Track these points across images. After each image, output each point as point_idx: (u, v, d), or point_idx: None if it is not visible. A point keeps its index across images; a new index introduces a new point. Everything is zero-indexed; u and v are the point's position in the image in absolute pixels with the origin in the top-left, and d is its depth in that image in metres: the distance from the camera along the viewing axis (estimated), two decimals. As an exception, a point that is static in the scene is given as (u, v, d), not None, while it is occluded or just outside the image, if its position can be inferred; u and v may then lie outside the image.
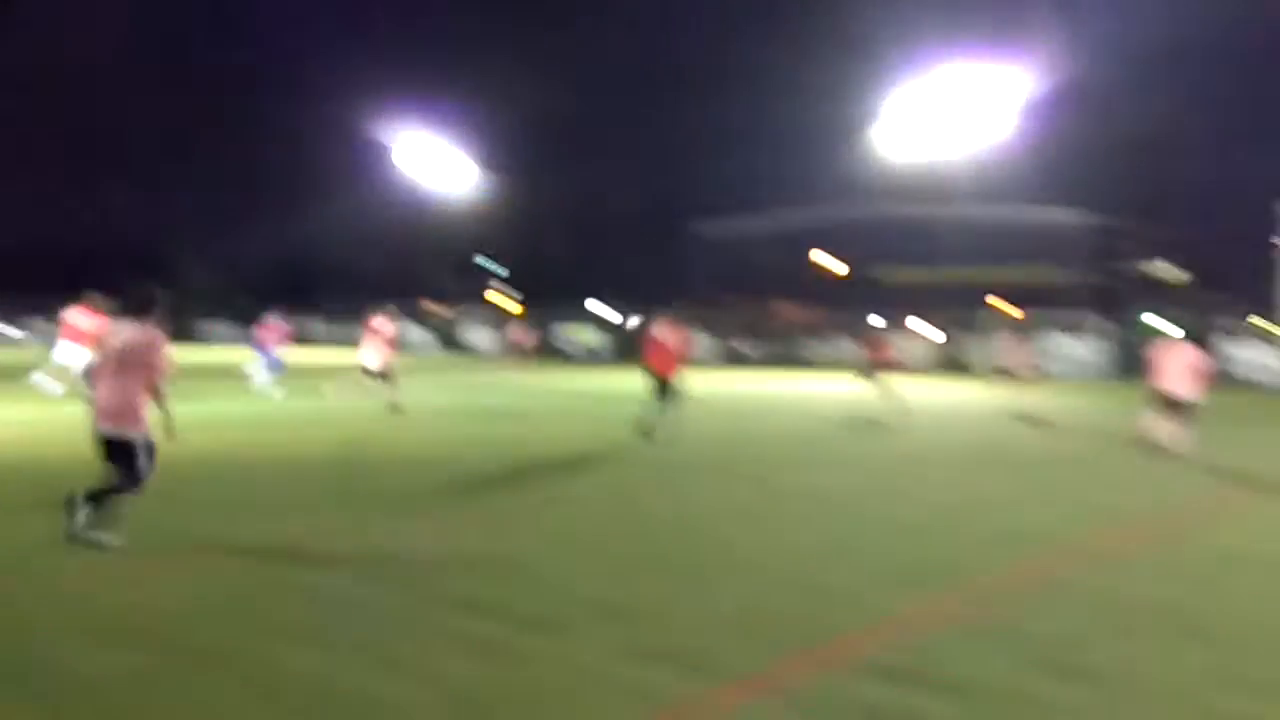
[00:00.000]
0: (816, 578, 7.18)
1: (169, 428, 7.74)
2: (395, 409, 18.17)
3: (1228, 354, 41.10)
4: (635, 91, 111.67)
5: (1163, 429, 14.46)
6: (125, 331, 7.71)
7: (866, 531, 8.92)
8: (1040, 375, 22.02)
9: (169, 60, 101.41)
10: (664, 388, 15.05)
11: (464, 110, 78.49)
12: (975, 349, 21.86)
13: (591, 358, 49.22)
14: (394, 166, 60.87)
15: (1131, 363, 44.85)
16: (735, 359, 46.30)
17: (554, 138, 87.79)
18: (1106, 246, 62.72)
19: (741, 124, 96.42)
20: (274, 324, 23.99)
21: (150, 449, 7.58)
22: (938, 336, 46.66)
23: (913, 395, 21.57)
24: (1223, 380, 39.42)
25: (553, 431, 16.69)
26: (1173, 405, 14.42)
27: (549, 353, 46.39)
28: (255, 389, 22.53)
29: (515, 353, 40.33)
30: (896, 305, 55.66)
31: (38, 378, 20.52)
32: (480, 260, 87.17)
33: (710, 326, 49.33)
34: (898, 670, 5.27)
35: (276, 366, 23.36)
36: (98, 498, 7.45)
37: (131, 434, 7.48)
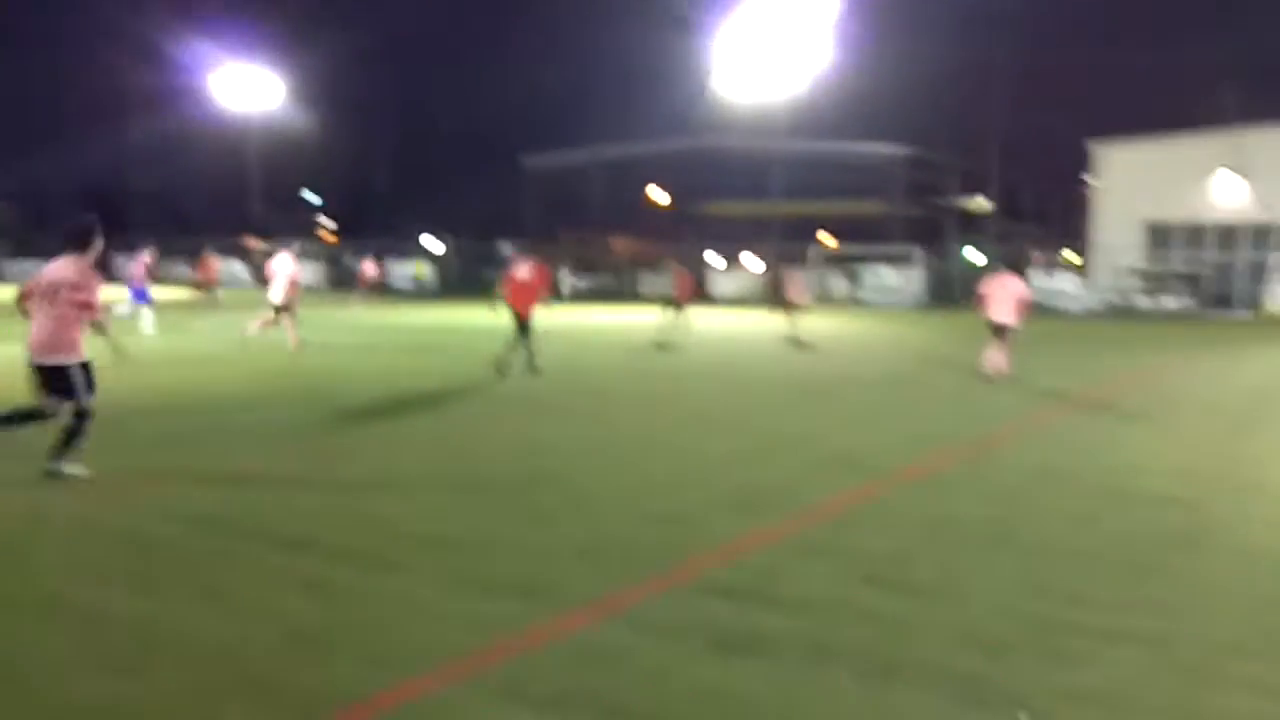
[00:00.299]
0: (656, 506, 7.32)
1: (118, 352, 8.34)
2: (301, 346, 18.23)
3: (1040, 285, 43.30)
4: (463, 21, 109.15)
5: (995, 357, 15.54)
6: (58, 265, 7.75)
7: (704, 462, 9.10)
8: (810, 305, 23.69)
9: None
10: (523, 326, 15.36)
11: (285, 37, 75.27)
12: (792, 282, 22.96)
13: (420, 291, 48.56)
14: (212, 95, 57.96)
15: (948, 293, 46.96)
16: (571, 293, 46.24)
17: (379, 67, 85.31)
18: (926, 181, 64.80)
19: (572, 56, 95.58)
20: (147, 258, 23.40)
21: (87, 373, 7.70)
22: (760, 269, 47.69)
23: (737, 328, 22.15)
24: (1035, 309, 41.64)
25: (398, 366, 16.42)
26: (998, 331, 15.53)
27: (379, 288, 45.46)
28: (122, 321, 21.55)
29: (363, 287, 39.13)
30: (729, 239, 56.53)
31: None
32: (306, 194, 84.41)
33: (545, 260, 49.11)
34: (737, 589, 5.45)
35: (143, 299, 22.71)
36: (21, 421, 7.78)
37: (64, 360, 7.59)
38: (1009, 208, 68.93)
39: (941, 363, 18.96)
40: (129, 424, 10.26)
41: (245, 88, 56.76)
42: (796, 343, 21.11)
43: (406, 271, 52.06)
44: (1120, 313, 40.59)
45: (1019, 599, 5.39)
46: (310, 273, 53.86)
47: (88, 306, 7.69)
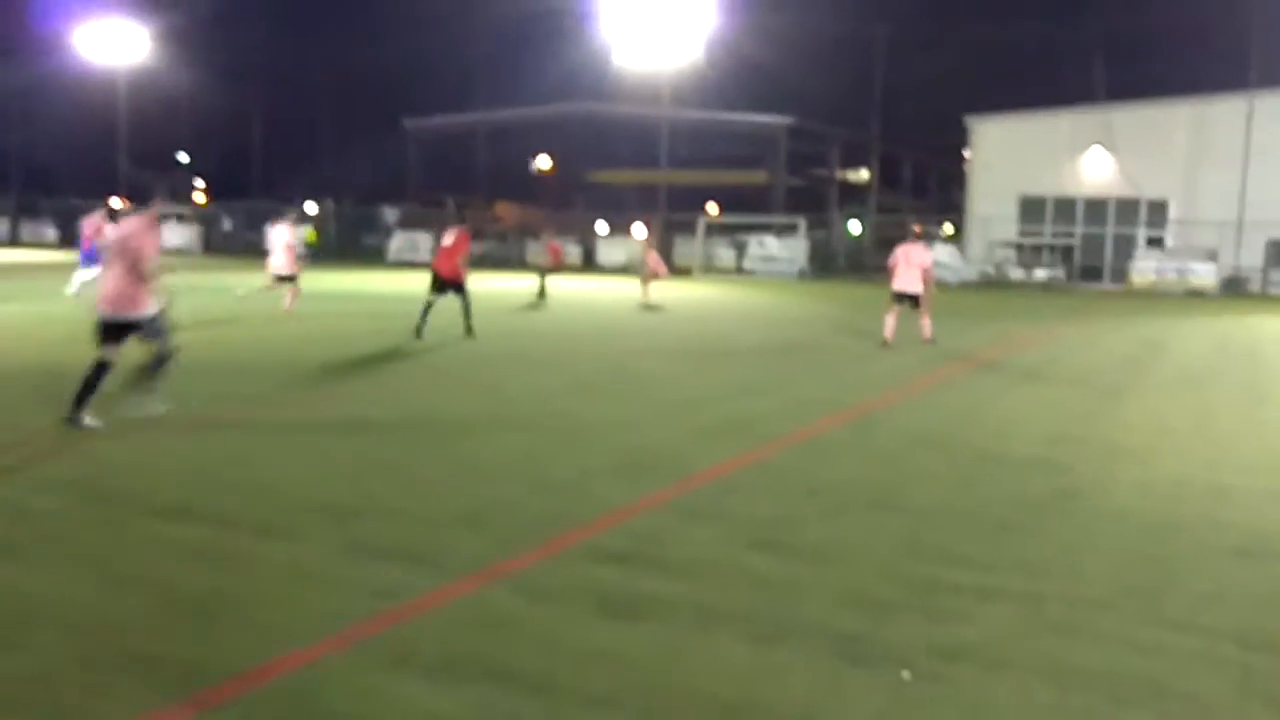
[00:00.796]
0: (544, 474, 7.32)
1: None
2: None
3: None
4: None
5: (890, 323, 16.23)
6: (124, 224, 8.65)
7: (591, 429, 9.12)
8: (664, 273, 25.42)
9: None
10: (454, 290, 16.10)
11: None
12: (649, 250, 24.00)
13: (312, 257, 47.41)
14: (76, 48, 55.42)
15: (831, 263, 47.73)
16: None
17: (254, 25, 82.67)
18: (809, 152, 65.49)
19: (457, 17, 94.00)
20: (97, 220, 23.08)
21: (156, 323, 8.48)
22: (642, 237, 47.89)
23: (621, 295, 22.24)
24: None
25: (301, 334, 16.04)
26: (909, 300, 16.29)
27: (257, 253, 44.32)
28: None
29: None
30: (618, 207, 56.38)
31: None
32: (180, 157, 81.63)
33: (430, 227, 48.45)
34: (624, 554, 5.48)
35: (92, 262, 22.13)
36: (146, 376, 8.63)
37: (133, 316, 8.28)
38: (889, 179, 70.21)
39: (825, 331, 19.30)
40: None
41: (112, 41, 54.42)
42: (647, 308, 22.29)
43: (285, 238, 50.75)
44: (995, 284, 41.79)
45: (900, 560, 5.53)
46: (182, 236, 52.27)
47: (143, 254, 8.34)
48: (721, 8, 47.33)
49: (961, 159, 52.14)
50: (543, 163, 73.07)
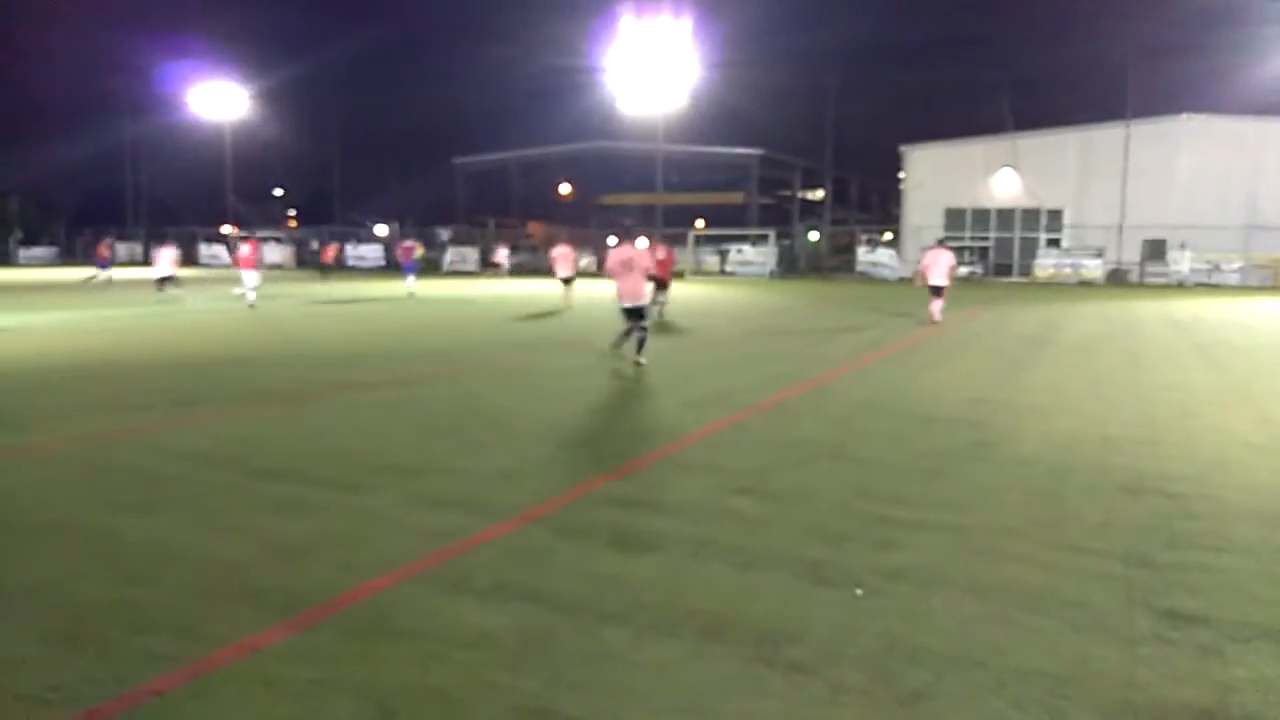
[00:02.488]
0: (567, 437, 7.31)
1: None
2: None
3: (865, 258, 44.06)
4: (406, 44, 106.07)
5: (936, 307, 17.93)
6: (625, 248, 11.10)
7: (605, 400, 9.12)
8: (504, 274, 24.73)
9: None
10: (661, 284, 18.02)
11: (256, 57, 72.50)
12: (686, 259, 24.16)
13: (377, 269, 47.43)
14: (191, 106, 55.37)
15: (794, 265, 47.58)
16: (494, 268, 45.61)
17: (332, 81, 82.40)
18: (775, 177, 65.27)
19: (494, 74, 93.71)
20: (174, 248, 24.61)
21: (646, 309, 11.30)
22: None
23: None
24: (861, 278, 42.39)
25: (334, 330, 16.03)
26: (936, 291, 17.85)
27: (344, 268, 44.40)
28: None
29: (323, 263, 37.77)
30: (624, 224, 56.09)
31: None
32: (275, 191, 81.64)
33: (475, 242, 48.40)
34: (631, 499, 5.47)
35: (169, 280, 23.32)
36: (638, 343, 11.09)
37: (641, 303, 11.05)
38: (839, 197, 70.03)
39: (789, 320, 19.25)
40: (139, 378, 9.85)
41: (219, 99, 54.38)
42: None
43: (364, 254, 50.60)
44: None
45: (852, 501, 5.52)
46: (280, 255, 52.30)
47: (647, 267, 11.13)
48: (703, 62, 47.20)
49: (898, 179, 51.89)
50: (563, 189, 72.96)
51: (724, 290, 32.18)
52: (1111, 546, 4.72)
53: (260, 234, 51.52)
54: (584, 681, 3.29)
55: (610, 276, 11.12)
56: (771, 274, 43.26)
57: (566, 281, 22.48)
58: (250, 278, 21.54)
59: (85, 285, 29.31)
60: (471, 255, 49.24)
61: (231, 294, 23.40)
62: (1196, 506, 5.45)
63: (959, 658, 3.48)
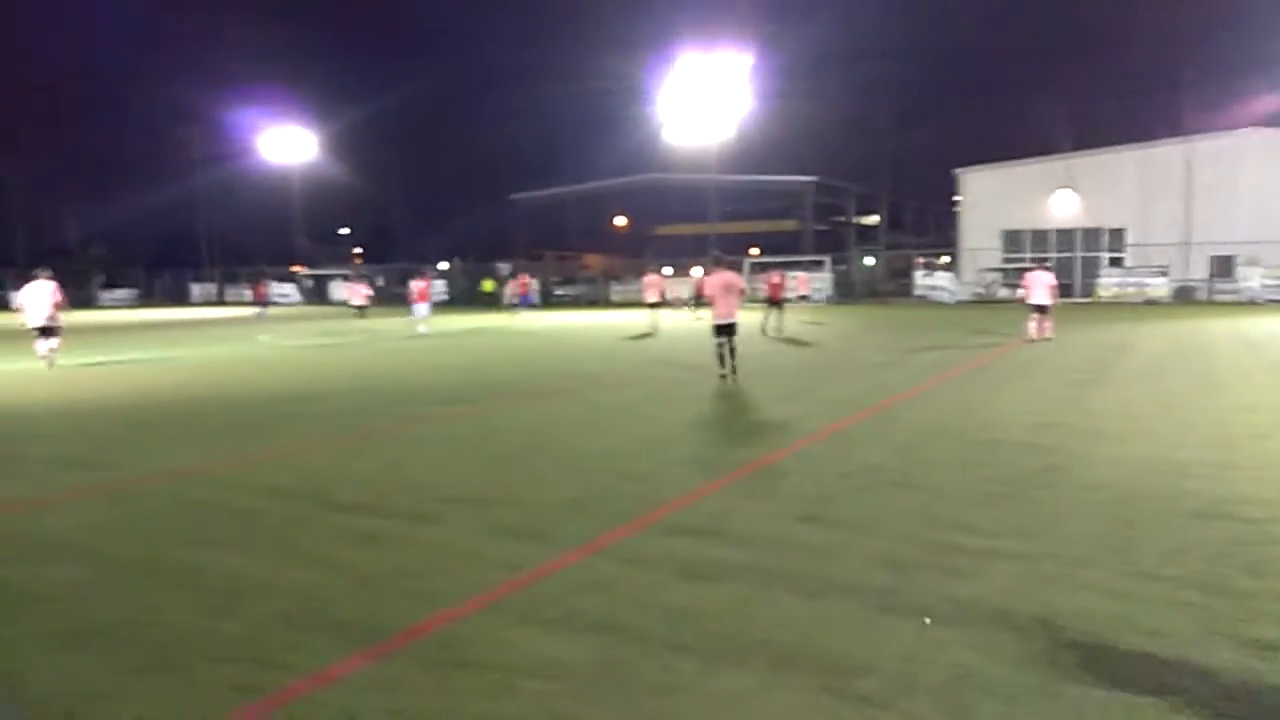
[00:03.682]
0: (631, 467, 7.34)
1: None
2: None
3: (922, 281, 43.52)
4: (466, 85, 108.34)
5: (1033, 327, 18.65)
6: (721, 274, 12.62)
7: (667, 430, 9.13)
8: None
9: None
10: (778, 304, 22.63)
11: (321, 104, 74.81)
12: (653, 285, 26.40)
13: (487, 302, 47.83)
14: (264, 154, 57.24)
15: (850, 291, 47.17)
16: (554, 299, 46.14)
17: (396, 127, 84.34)
18: (830, 203, 65.01)
19: (549, 111, 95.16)
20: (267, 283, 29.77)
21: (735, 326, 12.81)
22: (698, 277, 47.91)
23: (686, 324, 22.23)
24: (919, 301, 41.85)
25: (409, 366, 16.33)
26: (1039, 310, 18.58)
27: (399, 302, 45.11)
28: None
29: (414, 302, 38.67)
30: (678, 254, 56.49)
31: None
32: (341, 231, 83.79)
33: (534, 274, 48.84)
34: (698, 528, 5.48)
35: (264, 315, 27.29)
36: (731, 355, 12.72)
37: (734, 320, 12.60)
38: (895, 222, 69.45)
39: (847, 346, 19.09)
40: (215, 415, 10.15)
41: (287, 144, 56.11)
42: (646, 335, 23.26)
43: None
44: (985, 301, 40.97)
45: (919, 529, 5.45)
46: (345, 292, 53.45)
47: (742, 293, 12.79)
48: (756, 92, 47.34)
49: (954, 203, 51.31)
50: (618, 221, 73.55)
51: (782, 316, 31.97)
52: (1188, 574, 4.58)
53: (328, 271, 52.68)
54: (655, 713, 3.30)
55: (708, 299, 12.93)
56: (828, 299, 42.95)
57: (654, 306, 25.42)
58: (421, 310, 25.00)
59: (258, 320, 33.56)
60: (531, 288, 49.76)
61: (413, 329, 25.44)
62: (1275, 531, 5.27)
63: (1032, 689, 3.41)
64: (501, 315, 35.61)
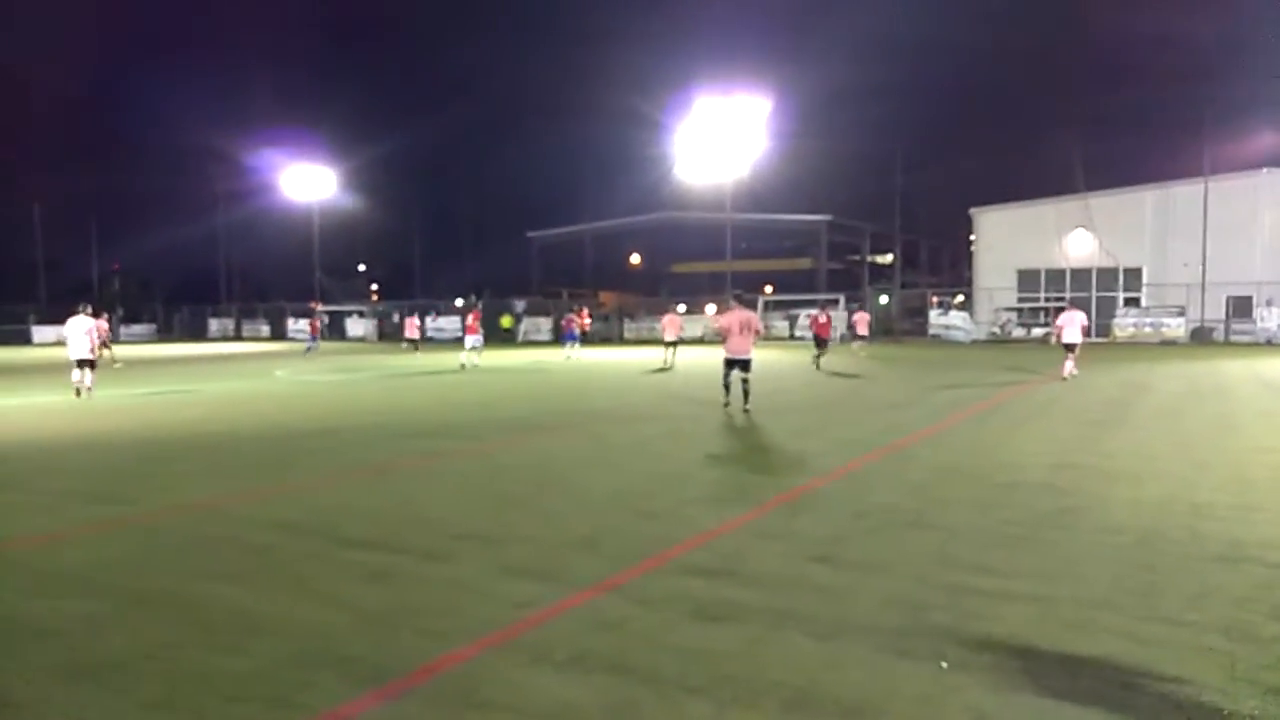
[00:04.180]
0: (644, 505, 7.29)
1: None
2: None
3: (937, 320, 43.40)
4: (476, 127, 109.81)
5: (1069, 366, 18.84)
6: (737, 312, 13.21)
7: (680, 467, 9.09)
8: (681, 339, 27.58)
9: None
10: (824, 342, 24.30)
11: (342, 141, 75.91)
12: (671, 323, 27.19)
13: (506, 339, 48.03)
14: (284, 191, 57.96)
15: (867, 328, 47.02)
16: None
17: (412, 163, 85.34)
18: (844, 242, 65.19)
19: (565, 151, 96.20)
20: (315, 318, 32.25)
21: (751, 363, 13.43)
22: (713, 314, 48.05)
23: (698, 360, 22.20)
24: (933, 341, 41.73)
25: (418, 401, 16.37)
26: (1070, 348, 18.95)
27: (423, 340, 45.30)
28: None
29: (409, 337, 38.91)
30: (693, 292, 56.70)
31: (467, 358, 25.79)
32: (359, 267, 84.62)
33: (550, 312, 49.10)
34: (710, 568, 5.42)
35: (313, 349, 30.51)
36: (744, 394, 13.31)
37: (747, 357, 13.21)
38: (909, 260, 69.49)
39: (861, 384, 19.02)
40: (230, 450, 10.19)
41: (307, 181, 56.78)
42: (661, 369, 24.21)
43: (442, 325, 51.54)
44: (1000, 341, 40.84)
45: (933, 570, 5.38)
46: (363, 328, 53.77)
47: (757, 332, 13.31)
48: (771, 132, 47.67)
49: (968, 242, 51.36)
50: (634, 259, 73.91)
51: (793, 355, 31.97)
52: (1211, 619, 4.50)
53: (345, 308, 53.13)
54: (667, 755, 3.24)
55: (723, 334, 13.36)
56: (842, 338, 42.90)
57: (671, 345, 26.18)
58: (471, 340, 25.85)
59: (306, 355, 34.64)
60: (545, 325, 49.96)
61: (461, 360, 26.25)
62: (1300, 576, 5.18)
63: (1053, 736, 3.34)
64: (542, 351, 35.85)
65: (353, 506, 7.37)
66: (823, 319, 25.91)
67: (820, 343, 25.06)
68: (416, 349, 36.95)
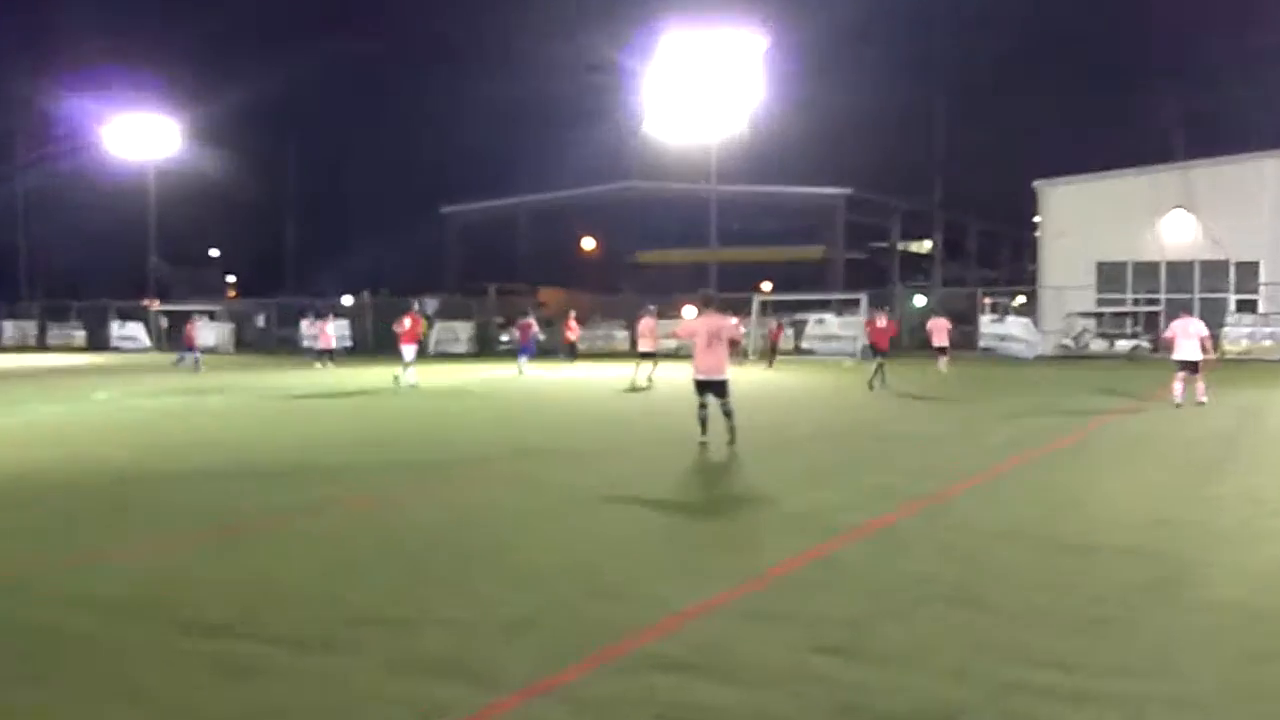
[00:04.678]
0: (598, 578, 7.28)
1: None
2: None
3: (989, 330, 43.60)
4: (371, 67, 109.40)
5: (1179, 388, 19.26)
6: (705, 318, 13.73)
7: (649, 525, 9.10)
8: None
9: None
10: (883, 354, 25.35)
11: (184, 86, 74.55)
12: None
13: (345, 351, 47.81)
14: (108, 148, 57.21)
15: (894, 340, 47.38)
16: (496, 350, 46.10)
17: (288, 118, 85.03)
18: (867, 223, 65.69)
19: (488, 102, 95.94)
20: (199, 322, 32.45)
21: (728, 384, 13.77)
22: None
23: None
24: (985, 356, 42.05)
25: (308, 432, 16.26)
26: (1189, 367, 19.27)
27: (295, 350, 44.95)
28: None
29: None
30: (666, 289, 56.80)
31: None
32: (211, 253, 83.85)
33: (470, 315, 48.86)
34: (682, 662, 5.41)
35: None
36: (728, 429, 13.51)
37: (722, 378, 13.60)
38: (953, 250, 70.03)
39: (892, 413, 19.16)
40: (32, 502, 10.04)
41: (141, 136, 56.11)
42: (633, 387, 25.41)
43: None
44: (1073, 356, 41.25)
45: (977, 661, 5.42)
46: (214, 335, 53.26)
47: (733, 339, 13.69)
48: (770, 78, 47.95)
49: (1032, 225, 51.95)
50: (587, 244, 73.78)
51: (802, 376, 32.19)
52: (1343, 725, 4.59)
53: (190, 307, 52.70)
54: None
55: (687, 338, 13.80)
56: (865, 351, 43.15)
57: (647, 357, 27.19)
58: (408, 352, 25.67)
59: (191, 366, 35.51)
60: (464, 332, 49.81)
61: (397, 375, 25.80)
62: None
63: None
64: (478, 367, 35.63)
65: (203, 579, 7.28)
66: (881, 323, 26.33)
67: (879, 353, 25.53)
68: (330, 362, 36.73)
